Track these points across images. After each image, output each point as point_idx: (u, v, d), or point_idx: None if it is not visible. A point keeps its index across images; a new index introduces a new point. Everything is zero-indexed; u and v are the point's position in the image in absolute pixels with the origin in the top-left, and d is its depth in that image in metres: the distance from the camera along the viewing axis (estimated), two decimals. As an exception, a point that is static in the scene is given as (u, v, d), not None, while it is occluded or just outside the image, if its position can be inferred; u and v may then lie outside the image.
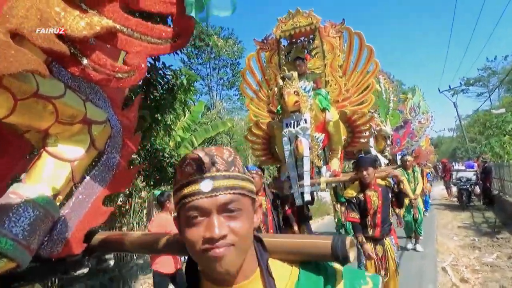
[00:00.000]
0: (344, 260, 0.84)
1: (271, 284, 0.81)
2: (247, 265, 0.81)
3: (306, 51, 5.04)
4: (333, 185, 4.35)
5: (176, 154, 8.96)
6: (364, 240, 3.65)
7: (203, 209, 0.76)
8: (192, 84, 6.80)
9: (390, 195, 3.78)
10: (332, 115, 4.33)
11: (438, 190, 19.01)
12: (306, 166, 3.65)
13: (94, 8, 1.07)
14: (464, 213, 11.56)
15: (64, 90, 1.17)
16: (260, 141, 4.85)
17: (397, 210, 5.19)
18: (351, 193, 3.80)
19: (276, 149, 4.53)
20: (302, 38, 5.00)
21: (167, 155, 7.59)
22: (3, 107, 1.02)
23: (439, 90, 30.61)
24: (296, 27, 4.54)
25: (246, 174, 0.83)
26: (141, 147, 6.84)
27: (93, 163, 1.36)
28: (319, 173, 4.27)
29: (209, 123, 12.48)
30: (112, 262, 1.48)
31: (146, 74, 5.32)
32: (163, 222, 4.51)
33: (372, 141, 6.61)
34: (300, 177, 3.79)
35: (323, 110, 4.37)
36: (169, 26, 1.23)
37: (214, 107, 20.44)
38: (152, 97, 5.81)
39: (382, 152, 7.65)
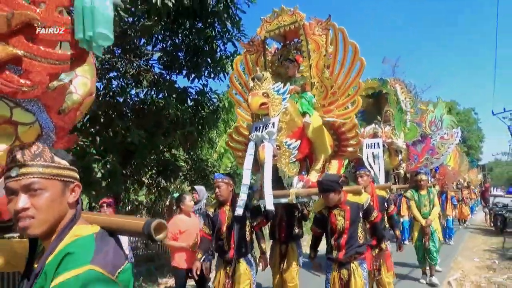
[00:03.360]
0: (150, 237, 1.11)
1: (59, 239, 1.08)
2: (59, 229, 1.11)
3: (299, 52, 4.68)
4: (310, 198, 3.85)
5: (218, 164, 10.34)
6: (313, 255, 3.16)
7: (12, 189, 1.06)
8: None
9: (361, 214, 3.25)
10: (312, 120, 3.90)
11: (482, 215, 17.73)
12: (267, 174, 3.23)
13: (2, 40, 1.42)
14: (497, 238, 10.72)
15: None
16: (242, 148, 4.50)
17: (397, 233, 4.59)
18: (315, 207, 3.33)
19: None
20: (295, 40, 4.67)
21: (210, 165, 8.79)
22: None
23: (493, 113, 28.73)
24: (280, 26, 4.20)
25: (54, 163, 1.11)
26: (188, 156, 8.55)
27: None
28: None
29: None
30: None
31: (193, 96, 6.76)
32: (177, 222, 4.77)
33: (380, 154, 6.02)
34: (262, 187, 3.38)
35: (304, 114, 3.96)
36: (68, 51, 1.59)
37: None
38: (199, 115, 6.92)
39: (396, 168, 7.00)
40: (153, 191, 8.32)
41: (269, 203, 3.20)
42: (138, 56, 7.15)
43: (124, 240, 4.26)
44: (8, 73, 1.47)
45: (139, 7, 5.34)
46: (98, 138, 6.36)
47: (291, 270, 4.57)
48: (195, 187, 6.06)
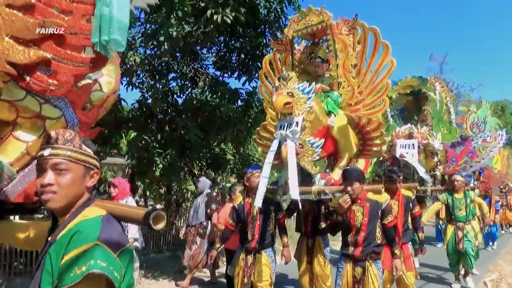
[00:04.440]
0: (148, 226, 1.25)
1: (72, 217, 1.23)
2: (74, 208, 1.26)
3: (328, 51, 4.71)
4: (332, 195, 3.86)
5: (263, 159, 10.34)
6: None
7: (42, 166, 1.23)
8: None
9: (380, 212, 3.26)
10: (337, 119, 3.94)
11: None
12: (292, 168, 3.32)
13: (35, 45, 1.63)
14: (544, 245, 10.01)
15: (25, 95, 1.73)
16: (269, 145, 4.61)
17: (420, 234, 4.50)
18: (334, 203, 3.38)
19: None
20: (324, 38, 4.70)
21: (256, 159, 9.72)
22: None
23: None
24: (308, 26, 4.27)
25: (82, 150, 1.28)
26: (236, 151, 9.39)
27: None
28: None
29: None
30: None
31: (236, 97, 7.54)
32: (228, 209, 4.97)
33: (415, 155, 5.88)
34: (286, 183, 3.48)
35: (329, 113, 4.00)
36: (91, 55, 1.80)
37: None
38: (249, 115, 7.59)
39: (433, 170, 6.77)
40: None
41: (294, 193, 3.25)
42: (194, 59, 7.89)
43: (134, 226, 4.54)
44: (38, 74, 1.67)
45: (200, 18, 5.91)
46: (159, 135, 7.22)
47: (319, 264, 4.60)
48: (195, 180, 6.39)
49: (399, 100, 7.43)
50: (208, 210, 5.79)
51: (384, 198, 3.32)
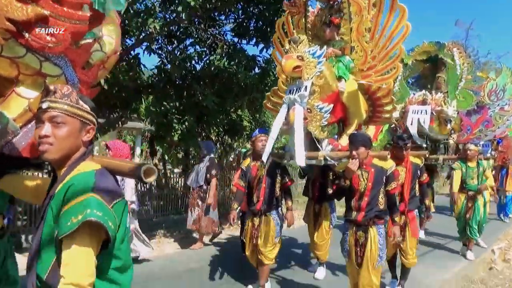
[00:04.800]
0: (139, 178, 1.28)
1: (68, 171, 1.29)
2: (70, 161, 1.31)
3: (341, 14, 4.57)
4: (338, 161, 3.89)
5: None
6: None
7: (40, 119, 1.28)
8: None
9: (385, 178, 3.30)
10: (347, 85, 3.90)
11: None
12: (298, 134, 3.36)
13: (33, 2, 1.63)
14: None
15: (25, 53, 1.74)
16: (278, 109, 4.64)
17: (426, 202, 4.55)
18: (339, 168, 3.44)
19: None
20: (339, 0, 4.55)
21: (272, 127, 9.48)
22: None
23: None
24: (322, -14, 4.15)
25: (79, 105, 1.33)
26: (252, 118, 9.49)
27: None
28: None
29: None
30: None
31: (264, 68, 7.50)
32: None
33: (427, 121, 5.81)
34: (292, 148, 3.54)
35: (339, 78, 3.97)
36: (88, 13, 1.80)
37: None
38: (265, 82, 7.63)
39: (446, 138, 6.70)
40: (219, 147, 9.47)
41: (300, 158, 3.30)
42: (212, 26, 7.91)
43: (130, 187, 4.66)
44: (37, 31, 1.67)
45: None
46: (177, 103, 7.45)
47: (322, 230, 4.79)
48: (200, 142, 6.55)
49: (416, 67, 7.21)
50: (208, 175, 5.92)
51: (389, 164, 3.34)
